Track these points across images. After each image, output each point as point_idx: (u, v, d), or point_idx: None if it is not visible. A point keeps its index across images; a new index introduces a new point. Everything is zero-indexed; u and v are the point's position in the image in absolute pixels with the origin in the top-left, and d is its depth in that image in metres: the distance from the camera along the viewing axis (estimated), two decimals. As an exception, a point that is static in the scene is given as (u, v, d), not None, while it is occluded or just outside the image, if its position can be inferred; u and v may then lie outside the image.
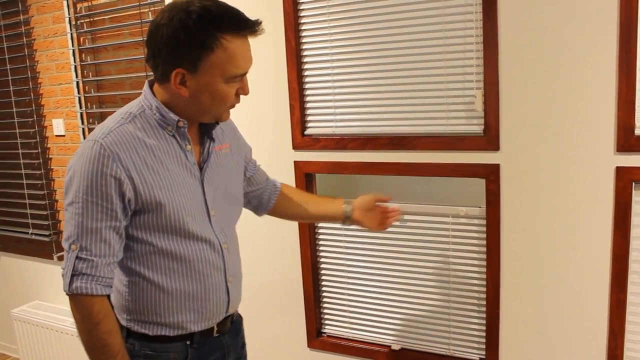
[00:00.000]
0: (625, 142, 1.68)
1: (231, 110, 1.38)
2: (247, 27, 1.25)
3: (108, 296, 1.29)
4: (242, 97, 1.35)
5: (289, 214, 1.78)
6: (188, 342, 1.40)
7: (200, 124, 1.42)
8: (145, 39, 1.32)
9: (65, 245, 1.25)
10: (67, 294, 1.25)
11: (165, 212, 1.30)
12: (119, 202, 1.25)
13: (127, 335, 1.37)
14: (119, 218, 1.26)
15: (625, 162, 1.70)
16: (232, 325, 1.53)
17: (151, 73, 1.34)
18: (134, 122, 1.31)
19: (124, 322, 1.38)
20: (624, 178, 1.70)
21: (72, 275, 1.23)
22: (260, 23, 1.27)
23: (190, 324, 1.39)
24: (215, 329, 1.46)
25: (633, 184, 1.70)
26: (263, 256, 1.80)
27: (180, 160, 1.35)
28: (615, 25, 1.65)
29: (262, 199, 1.72)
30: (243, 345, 1.62)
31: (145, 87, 1.36)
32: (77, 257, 1.23)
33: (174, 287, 1.35)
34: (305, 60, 2.18)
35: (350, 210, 1.71)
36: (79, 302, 1.24)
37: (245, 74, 1.31)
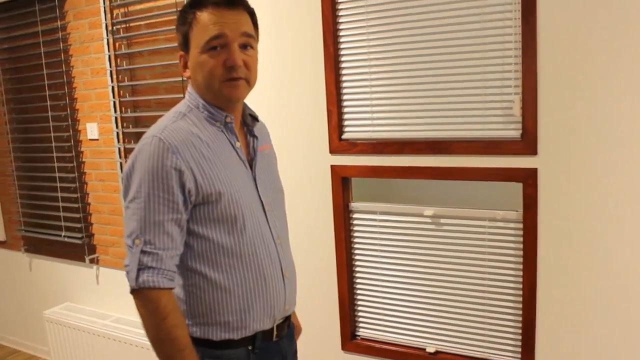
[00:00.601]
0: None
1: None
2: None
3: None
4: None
5: None
6: (250, 347, 1.40)
7: (242, 122, 1.47)
8: None
9: (128, 241, 1.26)
10: (132, 290, 1.25)
11: (224, 203, 1.32)
12: (179, 193, 1.27)
13: None
14: (180, 210, 1.28)
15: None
16: (288, 330, 1.54)
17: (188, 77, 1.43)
18: (186, 120, 1.36)
19: None
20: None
21: (138, 270, 1.24)
22: None
23: (253, 322, 1.38)
24: (275, 332, 1.46)
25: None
26: (298, 258, 1.82)
27: (233, 156, 1.40)
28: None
29: None
30: (296, 351, 1.62)
31: (189, 87, 1.43)
32: (142, 251, 1.24)
33: (235, 283, 1.35)
34: (343, 65, 2.21)
35: None
36: (146, 297, 1.24)
37: (220, 39, 1.31)
